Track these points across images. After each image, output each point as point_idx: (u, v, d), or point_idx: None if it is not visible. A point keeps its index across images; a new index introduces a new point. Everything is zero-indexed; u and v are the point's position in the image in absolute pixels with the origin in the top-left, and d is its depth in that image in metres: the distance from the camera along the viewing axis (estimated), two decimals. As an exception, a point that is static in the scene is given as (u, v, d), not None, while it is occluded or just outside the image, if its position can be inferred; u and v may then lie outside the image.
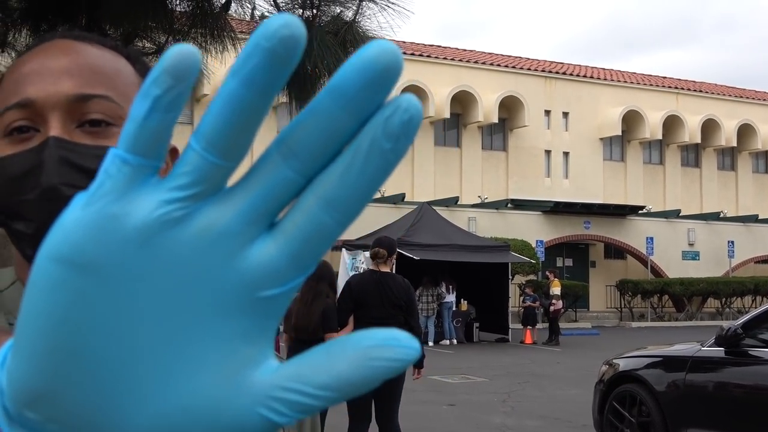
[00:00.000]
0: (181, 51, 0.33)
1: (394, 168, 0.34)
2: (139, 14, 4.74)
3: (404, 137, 0.34)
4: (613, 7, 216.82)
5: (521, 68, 35.68)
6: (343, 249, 22.43)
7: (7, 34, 5.28)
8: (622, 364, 7.87)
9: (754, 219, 36.00)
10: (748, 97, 40.69)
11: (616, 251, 33.83)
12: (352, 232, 24.64)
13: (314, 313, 6.81)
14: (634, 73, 40.44)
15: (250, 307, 0.35)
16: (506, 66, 35.26)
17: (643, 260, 32.65)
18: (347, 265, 21.63)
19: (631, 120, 36.58)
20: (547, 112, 35.74)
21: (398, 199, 28.49)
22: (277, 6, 4.56)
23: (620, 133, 36.33)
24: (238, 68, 0.33)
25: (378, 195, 30.22)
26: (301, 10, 4.49)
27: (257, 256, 0.34)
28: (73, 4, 5.05)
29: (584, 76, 36.97)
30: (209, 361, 0.35)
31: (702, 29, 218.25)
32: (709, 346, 7.09)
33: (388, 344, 0.34)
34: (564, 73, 36.44)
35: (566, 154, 36.10)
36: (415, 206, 23.71)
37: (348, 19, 4.43)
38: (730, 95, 40.27)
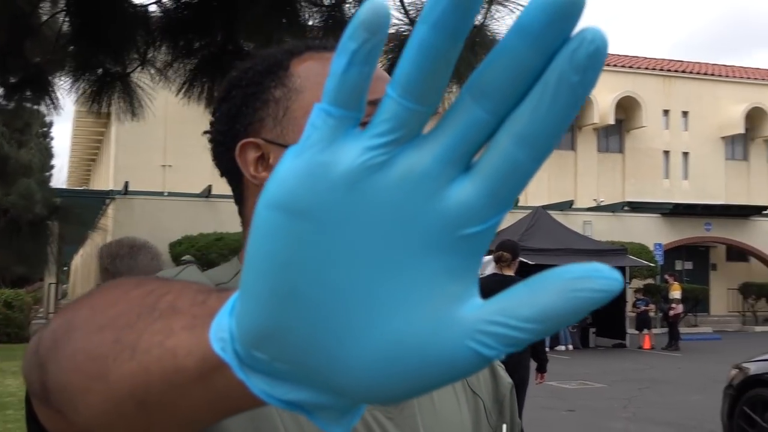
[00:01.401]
0: (373, 6, 0.35)
1: (583, 101, 0.35)
2: (272, 28, 4.94)
3: (591, 69, 0.34)
4: (732, 0, 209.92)
5: (639, 68, 34.91)
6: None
7: (147, 51, 5.58)
8: (753, 368, 7.66)
9: None
10: None
11: (738, 253, 32.64)
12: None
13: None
14: (758, 68, 38.99)
15: (453, 246, 0.36)
16: (623, 66, 34.58)
17: (765, 260, 31.46)
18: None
19: (755, 117, 35.27)
20: (666, 112, 34.87)
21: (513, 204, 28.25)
22: (407, 13, 4.69)
23: (743, 131, 35.08)
24: (426, 14, 0.34)
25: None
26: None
27: (456, 195, 0.36)
28: (210, 21, 5.30)
29: (704, 74, 35.89)
30: (418, 298, 0.36)
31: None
32: None
33: (591, 275, 0.34)
34: (683, 71, 35.48)
35: (686, 154, 35.12)
36: (529, 210, 23.51)
37: (477, 22, 4.51)
38: None
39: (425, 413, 0.96)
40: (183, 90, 5.22)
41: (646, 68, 35.15)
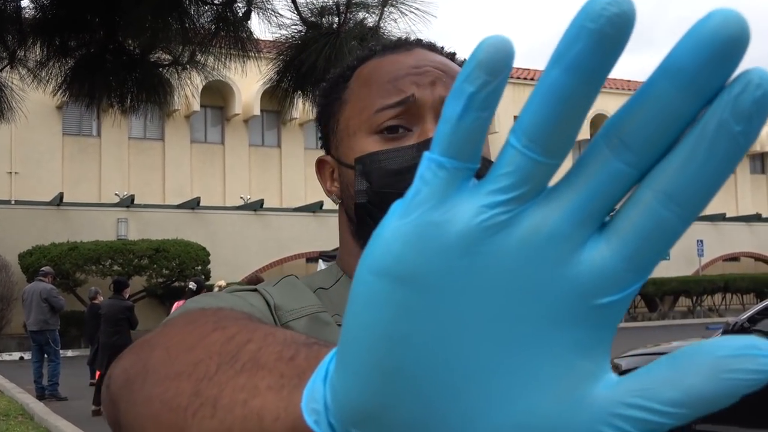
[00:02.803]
0: (494, 43, 0.31)
1: (744, 153, 0.30)
2: (159, 27, 4.74)
3: (757, 117, 0.29)
4: (570, 15, 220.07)
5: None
6: (320, 260, 22.43)
7: (18, 50, 5.24)
8: (625, 363, 7.95)
9: (721, 218, 36.51)
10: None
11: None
12: (328, 244, 24.67)
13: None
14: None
15: (585, 317, 0.32)
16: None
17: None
18: (324, 275, 21.62)
19: (599, 124, 36.99)
20: (516, 118, 35.97)
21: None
22: (299, 14, 4.59)
23: (588, 137, 36.73)
24: (560, 55, 0.30)
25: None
26: (328, 17, 4.53)
27: (590, 259, 0.32)
28: (89, 19, 5.03)
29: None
30: (543, 376, 0.32)
31: (657, 34, 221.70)
32: (714, 342, 7.23)
33: (747, 353, 0.30)
34: (533, 79, 36.78)
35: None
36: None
37: (371, 24, 4.47)
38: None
39: None
40: (61, 90, 4.95)
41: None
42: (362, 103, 0.92)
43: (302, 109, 4.80)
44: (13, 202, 24.08)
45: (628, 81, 41.01)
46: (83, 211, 25.16)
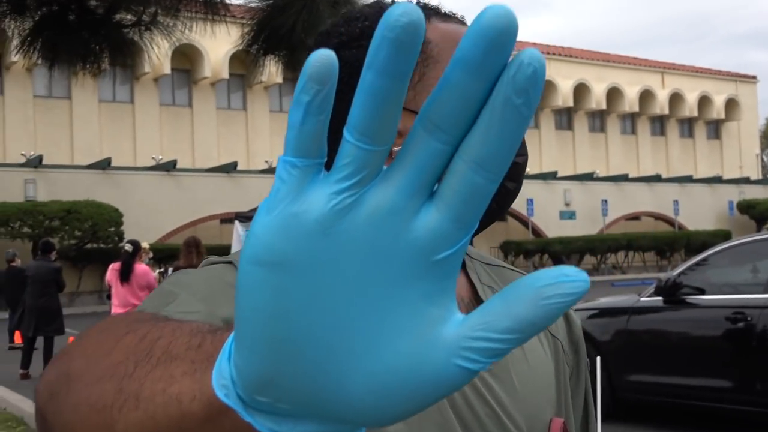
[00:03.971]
0: (319, 58, 0.37)
1: (530, 120, 0.37)
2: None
3: (532, 89, 0.36)
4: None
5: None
6: (236, 221, 22.29)
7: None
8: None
9: (623, 178, 37.72)
10: (614, 62, 42.39)
11: (497, 213, 34.80)
12: (243, 205, 24.52)
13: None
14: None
15: (427, 272, 0.38)
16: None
17: (524, 221, 33.78)
18: (240, 237, 21.54)
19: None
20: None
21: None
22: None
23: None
24: (370, 61, 0.36)
25: (266, 166, 30.12)
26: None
27: (424, 224, 0.38)
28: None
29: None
30: (402, 325, 0.38)
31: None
32: (647, 296, 7.57)
33: (559, 281, 0.36)
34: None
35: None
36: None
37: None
38: (598, 60, 41.85)
39: (517, 361, 1.02)
40: (21, 48, 4.85)
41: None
42: None
43: (273, 72, 4.83)
44: None
45: (533, 44, 41.75)
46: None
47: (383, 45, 0.36)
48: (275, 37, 4.50)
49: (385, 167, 0.39)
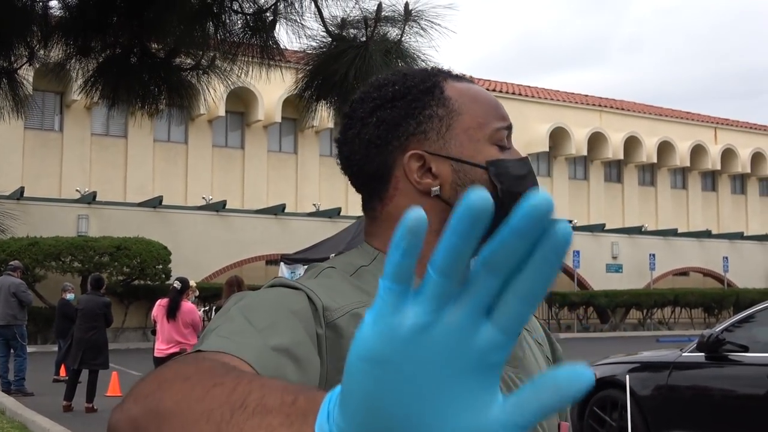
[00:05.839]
0: (414, 217, 0.50)
1: (558, 269, 0.50)
2: (186, 31, 4.87)
3: (562, 251, 0.49)
4: (524, 26, 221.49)
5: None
6: (282, 263, 22.53)
7: (39, 47, 5.33)
8: (599, 372, 8.25)
9: (673, 233, 37.33)
10: (666, 116, 42.16)
11: (543, 264, 34.50)
12: (290, 247, 24.73)
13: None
14: (558, 90, 41.52)
15: (484, 369, 0.51)
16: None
17: (569, 273, 33.48)
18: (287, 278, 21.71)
19: (558, 136, 37.58)
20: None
21: (334, 214, 28.74)
22: (325, 26, 4.76)
23: (547, 149, 37.21)
24: (453, 226, 0.49)
25: (313, 209, 30.40)
26: (349, 30, 4.70)
27: (484, 336, 0.51)
28: (114, 21, 5.14)
29: (511, 93, 37.78)
30: (465, 406, 0.51)
31: (610, 50, 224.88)
32: (689, 352, 7.52)
33: (573, 377, 0.48)
34: (493, 90, 37.19)
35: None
36: (353, 221, 23.89)
37: (394, 38, 4.65)
38: (649, 113, 41.67)
39: (535, 370, 1.23)
40: (84, 89, 5.06)
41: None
42: (479, 118, 1.22)
43: (325, 117, 4.96)
44: (-28, 195, 23.76)
45: (585, 96, 41.70)
46: (43, 206, 24.96)
47: (463, 219, 0.48)
48: (328, 83, 4.65)
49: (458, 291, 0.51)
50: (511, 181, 1.20)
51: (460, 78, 1.26)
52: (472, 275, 0.51)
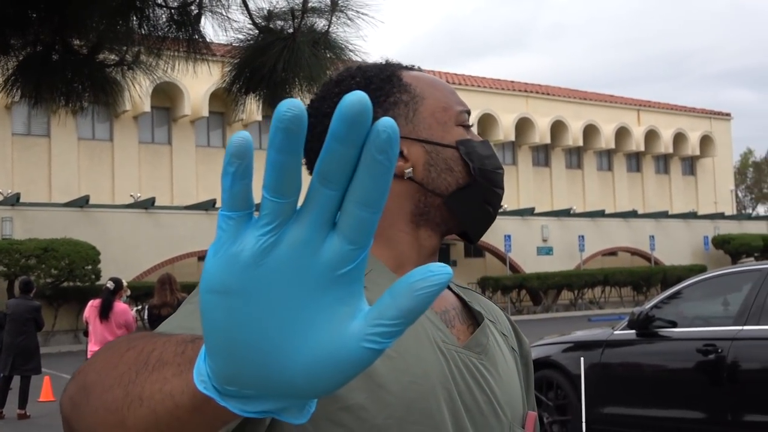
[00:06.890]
0: (238, 139, 0.51)
1: (393, 169, 0.51)
2: (109, 26, 4.78)
3: (389, 148, 0.50)
4: (448, 13, 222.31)
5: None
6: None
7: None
8: (534, 353, 8.37)
9: (600, 214, 38.01)
10: (591, 99, 42.90)
11: (475, 250, 34.97)
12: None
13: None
14: (484, 77, 41.88)
15: (335, 282, 0.52)
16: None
17: (501, 257, 33.92)
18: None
19: (485, 122, 37.90)
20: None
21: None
22: (252, 18, 4.72)
23: (475, 136, 37.39)
24: (270, 142, 0.50)
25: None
26: (276, 22, 4.67)
27: (329, 248, 0.51)
28: (33, 17, 5.02)
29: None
30: (322, 323, 0.52)
31: (535, 36, 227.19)
32: (621, 330, 7.69)
33: (426, 276, 0.50)
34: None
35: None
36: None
37: (321, 29, 4.64)
38: (575, 98, 42.36)
39: (500, 361, 1.25)
40: (4, 88, 4.93)
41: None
42: (443, 102, 1.25)
43: (254, 110, 4.93)
44: None
45: (511, 82, 42.16)
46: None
47: (277, 132, 0.49)
48: (256, 76, 4.61)
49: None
50: (481, 160, 1.24)
51: (411, 68, 1.31)
52: (309, 190, 0.51)
